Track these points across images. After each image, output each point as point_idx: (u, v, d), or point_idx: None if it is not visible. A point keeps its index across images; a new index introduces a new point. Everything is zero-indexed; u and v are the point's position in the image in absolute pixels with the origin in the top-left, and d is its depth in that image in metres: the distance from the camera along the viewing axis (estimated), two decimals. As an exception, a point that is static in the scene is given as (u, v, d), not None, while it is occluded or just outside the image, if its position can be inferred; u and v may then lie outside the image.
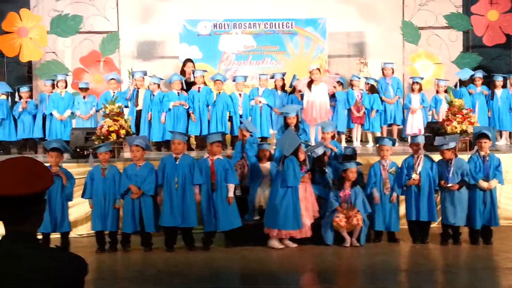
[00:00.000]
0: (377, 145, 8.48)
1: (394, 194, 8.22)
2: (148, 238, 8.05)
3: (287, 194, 7.84)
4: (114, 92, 11.37)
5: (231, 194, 8.04)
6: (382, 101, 11.55)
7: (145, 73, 11.67)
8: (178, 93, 11.14)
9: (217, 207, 7.94)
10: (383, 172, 8.30)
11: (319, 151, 8.44)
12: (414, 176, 8.21)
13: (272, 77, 11.71)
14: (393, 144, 8.63)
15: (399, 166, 8.35)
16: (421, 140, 8.40)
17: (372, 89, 11.49)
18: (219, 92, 11.23)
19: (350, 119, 11.43)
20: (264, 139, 11.24)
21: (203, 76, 11.51)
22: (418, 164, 8.24)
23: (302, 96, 10.76)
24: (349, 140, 11.89)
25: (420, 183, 8.20)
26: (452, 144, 8.17)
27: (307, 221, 7.96)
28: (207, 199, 7.94)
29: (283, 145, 7.93)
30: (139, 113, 11.32)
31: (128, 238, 8.06)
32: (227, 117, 11.22)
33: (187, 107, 11.15)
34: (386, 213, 8.23)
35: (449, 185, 8.05)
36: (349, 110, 11.39)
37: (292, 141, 7.93)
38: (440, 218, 8.32)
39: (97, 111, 11.38)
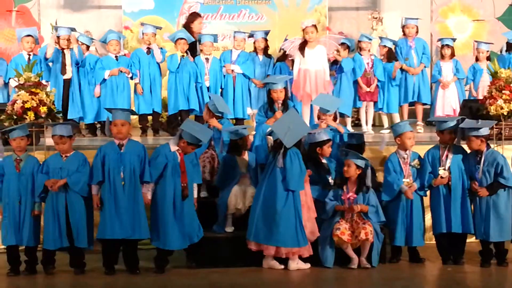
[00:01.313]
0: (398, 133, 8.49)
1: (414, 185, 8.29)
2: (79, 256, 8.02)
3: (288, 199, 7.90)
4: (29, 55, 11.30)
5: (195, 195, 8.12)
6: (402, 70, 11.64)
7: (73, 29, 11.59)
8: (116, 57, 11.14)
9: (183, 218, 7.95)
10: (403, 166, 8.38)
11: (322, 138, 8.48)
12: (441, 172, 8.29)
13: (251, 36, 11.74)
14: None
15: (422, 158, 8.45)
16: (452, 124, 8.42)
17: (390, 55, 11.55)
18: (183, 56, 11.24)
19: (357, 96, 11.50)
20: (239, 121, 11.27)
21: (155, 34, 11.50)
22: (447, 156, 8.34)
23: (293, 63, 10.81)
24: (356, 123, 11.96)
25: (450, 182, 8.30)
26: (483, 131, 8.25)
27: (311, 235, 8.05)
28: (172, 207, 7.95)
29: (283, 131, 7.89)
30: (67, 83, 11.28)
31: (52, 257, 8.02)
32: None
33: (129, 75, 11.15)
34: (408, 222, 8.31)
35: (478, 189, 8.13)
36: (356, 83, 11.46)
37: (298, 127, 7.91)
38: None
39: (5, 82, 11.28)
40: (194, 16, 12.16)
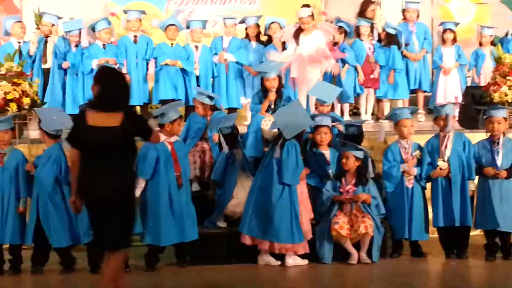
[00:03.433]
0: (395, 120, 8.57)
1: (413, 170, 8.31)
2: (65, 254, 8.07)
3: (284, 193, 7.93)
4: (19, 43, 11.30)
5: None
6: (402, 57, 11.64)
7: (57, 17, 11.58)
8: (103, 45, 11.14)
9: (181, 210, 7.97)
10: (404, 156, 8.40)
11: (322, 122, 8.51)
12: (440, 163, 8.32)
13: (243, 22, 11.71)
14: (413, 115, 8.70)
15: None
16: (450, 110, 8.46)
17: (390, 40, 11.55)
18: (172, 44, 11.24)
19: (357, 82, 11.49)
20: (233, 111, 11.28)
21: (140, 20, 11.48)
22: (446, 146, 8.37)
23: (284, 46, 10.80)
24: (355, 113, 11.98)
25: (450, 174, 8.33)
26: (502, 113, 8.27)
27: (308, 234, 8.07)
28: (168, 199, 7.97)
29: (285, 121, 7.91)
30: (47, 73, 11.28)
31: (43, 254, 8.06)
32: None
33: (116, 66, 11.14)
34: (409, 215, 8.33)
35: (496, 172, 8.16)
36: (355, 70, 11.46)
37: (300, 119, 7.92)
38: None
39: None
40: (366, 3, 12.13)
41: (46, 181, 7.86)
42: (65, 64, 11.06)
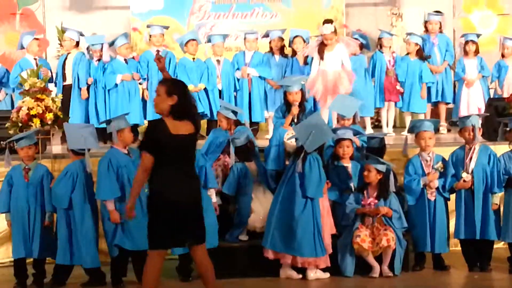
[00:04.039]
0: (414, 132, 8.59)
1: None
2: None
3: (307, 206, 7.97)
4: (36, 59, 11.42)
5: (214, 199, 8.26)
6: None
7: (79, 33, 11.71)
8: (125, 60, 11.27)
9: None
10: (426, 168, 8.41)
11: (344, 135, 8.55)
12: (464, 176, 8.32)
13: (267, 36, 11.79)
14: (436, 129, 8.72)
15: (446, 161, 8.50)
16: (475, 122, 8.46)
17: (420, 53, 11.52)
18: (194, 59, 11.34)
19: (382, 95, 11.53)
20: (256, 125, 11.33)
21: (163, 35, 11.60)
22: (471, 158, 8.38)
23: (306, 60, 10.85)
24: (376, 125, 12.00)
25: (473, 187, 8.33)
26: None
27: (328, 248, 8.10)
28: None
29: (306, 135, 7.94)
30: (67, 90, 11.40)
31: (67, 271, 8.14)
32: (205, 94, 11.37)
33: (139, 80, 11.24)
34: (431, 227, 8.33)
35: None
36: (378, 82, 11.48)
37: (321, 132, 7.94)
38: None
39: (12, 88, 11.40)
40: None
41: (60, 197, 7.96)
42: (89, 80, 11.19)
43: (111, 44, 11.38)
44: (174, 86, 6.30)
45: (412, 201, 8.40)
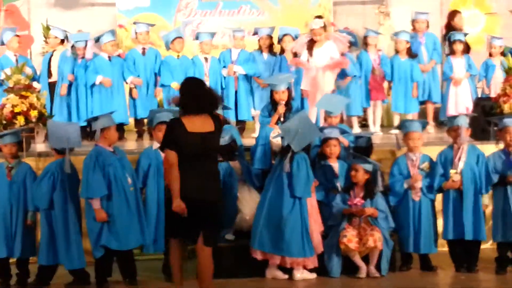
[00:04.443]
0: (402, 132, 8.56)
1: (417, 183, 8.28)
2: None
3: (295, 206, 7.93)
4: (16, 56, 11.34)
5: None
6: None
7: (64, 31, 11.62)
8: (109, 57, 11.21)
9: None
10: (411, 169, 8.37)
11: (331, 134, 8.51)
12: (453, 175, 8.30)
13: (255, 34, 11.75)
14: (423, 128, 8.71)
15: (434, 161, 8.47)
16: (463, 122, 8.44)
17: (410, 51, 11.52)
18: (178, 56, 11.28)
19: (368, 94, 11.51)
20: (243, 123, 11.30)
21: (148, 32, 11.55)
22: (459, 158, 8.35)
23: (294, 56, 10.81)
24: (364, 124, 11.99)
25: (462, 186, 8.31)
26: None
27: (319, 247, 8.09)
28: (156, 208, 8.03)
29: (292, 134, 7.90)
30: (53, 87, 11.35)
31: (52, 270, 8.07)
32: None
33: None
34: (416, 227, 8.30)
35: None
36: (366, 81, 11.46)
37: (307, 131, 7.91)
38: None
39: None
40: (453, 13, 12.33)
41: (41, 197, 7.89)
42: (69, 76, 11.11)
43: (97, 40, 11.32)
44: (182, 85, 6.69)
45: (393, 201, 8.38)
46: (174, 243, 6.72)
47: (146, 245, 8.07)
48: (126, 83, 11.32)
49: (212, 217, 6.51)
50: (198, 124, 6.40)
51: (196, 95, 6.45)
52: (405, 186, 8.29)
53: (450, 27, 12.15)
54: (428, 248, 8.36)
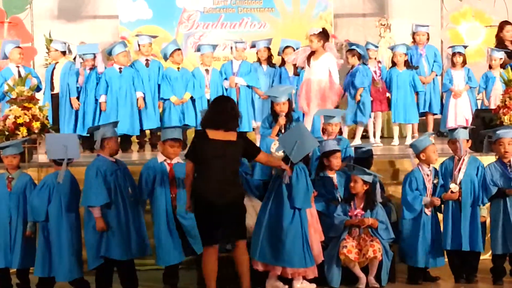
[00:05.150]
0: (418, 150, 8.42)
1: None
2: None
3: (295, 217, 7.90)
4: (18, 67, 11.32)
5: None
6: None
7: (65, 44, 11.64)
8: (120, 69, 11.21)
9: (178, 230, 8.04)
10: (427, 184, 8.26)
11: (330, 147, 8.52)
12: (452, 187, 8.26)
13: (253, 47, 11.78)
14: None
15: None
16: (462, 135, 8.40)
17: (407, 62, 11.52)
18: (179, 68, 11.30)
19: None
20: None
21: (151, 44, 11.57)
22: (459, 169, 8.34)
23: (297, 71, 10.83)
24: (364, 135, 11.98)
25: (461, 198, 8.28)
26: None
27: (320, 256, 8.07)
28: (165, 219, 8.02)
29: (290, 145, 7.81)
30: (55, 99, 11.37)
31: (51, 281, 8.03)
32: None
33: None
34: (427, 242, 8.23)
35: None
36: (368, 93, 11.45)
37: (306, 141, 7.83)
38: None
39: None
40: (503, 24, 12.40)
41: (37, 209, 7.88)
42: (80, 79, 11.13)
43: (109, 52, 11.33)
44: (212, 101, 7.52)
45: (409, 216, 8.26)
46: (210, 252, 7.16)
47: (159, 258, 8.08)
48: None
49: (235, 217, 7.10)
50: (220, 134, 6.96)
51: (222, 113, 7.01)
52: (423, 203, 8.25)
53: (500, 39, 12.25)
54: (441, 261, 8.35)
